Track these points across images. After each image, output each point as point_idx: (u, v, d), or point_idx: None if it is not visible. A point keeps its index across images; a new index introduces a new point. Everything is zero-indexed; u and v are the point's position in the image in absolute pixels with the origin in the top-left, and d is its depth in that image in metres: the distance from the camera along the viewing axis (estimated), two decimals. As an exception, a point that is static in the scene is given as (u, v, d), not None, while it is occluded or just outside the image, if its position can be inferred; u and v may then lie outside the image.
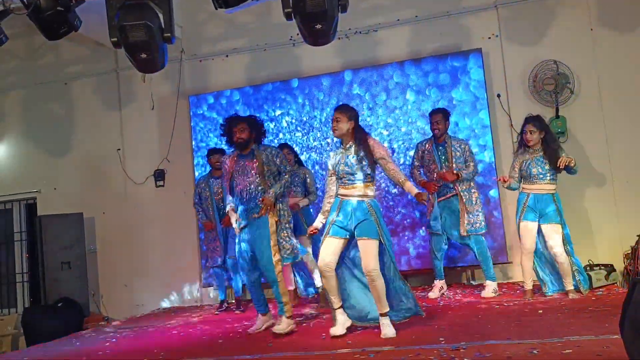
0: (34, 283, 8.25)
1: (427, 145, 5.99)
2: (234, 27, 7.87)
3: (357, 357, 3.67)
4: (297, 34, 6.88)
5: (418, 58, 7.03)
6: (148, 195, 7.86)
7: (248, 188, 4.73)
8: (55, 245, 7.57)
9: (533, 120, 5.41)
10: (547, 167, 5.32)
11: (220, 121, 7.36)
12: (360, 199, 4.40)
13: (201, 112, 7.68)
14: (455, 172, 5.72)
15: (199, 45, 8.00)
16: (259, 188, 4.73)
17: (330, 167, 4.57)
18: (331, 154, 4.65)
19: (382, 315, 4.34)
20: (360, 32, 7.39)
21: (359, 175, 4.41)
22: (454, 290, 6.21)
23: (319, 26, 4.27)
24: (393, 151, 6.95)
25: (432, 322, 4.63)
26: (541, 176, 5.33)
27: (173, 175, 7.78)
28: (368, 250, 4.28)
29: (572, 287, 5.26)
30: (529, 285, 5.41)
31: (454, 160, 5.79)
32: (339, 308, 4.51)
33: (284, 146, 6.44)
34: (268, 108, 7.42)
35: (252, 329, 4.91)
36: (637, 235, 6.05)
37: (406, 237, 6.85)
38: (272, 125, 7.37)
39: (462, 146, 5.88)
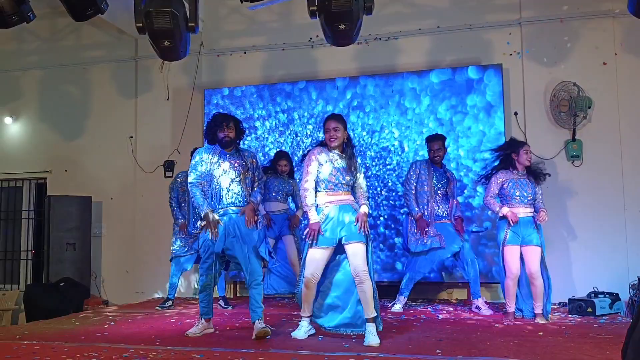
0: (38, 261, 8.31)
1: (423, 167, 5.91)
2: (254, 25, 7.91)
3: (352, 362, 3.65)
4: (317, 36, 6.94)
5: (437, 69, 7.04)
6: (156, 185, 7.87)
7: (231, 188, 4.63)
8: (62, 225, 7.67)
9: (527, 144, 5.54)
10: (530, 190, 5.31)
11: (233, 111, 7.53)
12: (348, 203, 4.43)
13: (215, 101, 7.73)
14: (460, 218, 5.90)
15: (218, 40, 8.04)
16: (241, 189, 4.65)
17: (313, 169, 4.44)
18: (318, 157, 4.47)
19: (368, 320, 4.31)
20: (380, 39, 7.40)
21: (347, 183, 4.46)
22: (454, 306, 6.20)
23: (342, 26, 4.27)
24: (402, 150, 7.01)
25: (430, 334, 4.61)
26: (523, 199, 5.32)
27: (182, 167, 7.73)
28: (357, 253, 4.30)
29: (541, 312, 5.27)
30: (511, 308, 5.38)
31: (452, 187, 5.90)
32: (308, 317, 4.57)
33: (282, 155, 6.47)
34: (281, 101, 7.47)
35: (192, 331, 4.67)
36: (645, 266, 6.00)
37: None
38: (284, 117, 7.43)
39: (454, 176, 6.03)
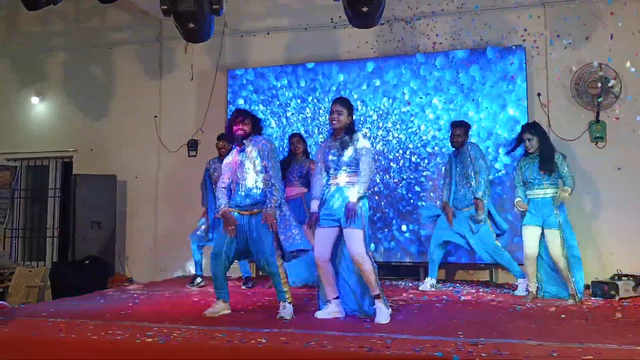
0: (64, 239, 8.46)
1: (449, 159, 6.13)
2: (277, 5, 7.90)
3: (373, 342, 3.66)
4: (339, 17, 6.89)
5: (459, 50, 7.02)
6: (180, 164, 7.97)
7: (244, 183, 4.66)
8: (87, 204, 7.79)
9: (529, 127, 5.50)
10: (541, 173, 5.35)
11: (255, 97, 7.60)
12: (347, 186, 4.48)
13: (239, 85, 7.78)
14: (477, 200, 5.78)
15: (241, 21, 8.03)
16: (255, 184, 4.65)
17: (320, 158, 4.61)
18: (322, 147, 4.66)
19: (375, 297, 4.41)
20: (402, 20, 7.32)
21: (346, 167, 4.49)
22: (476, 288, 6.20)
23: (365, 8, 4.27)
24: (424, 113, 7.10)
25: (452, 316, 4.62)
26: (537, 181, 5.37)
27: (206, 146, 7.83)
28: (352, 238, 4.38)
29: (574, 292, 5.28)
30: (532, 288, 5.45)
31: (467, 167, 5.89)
32: (335, 299, 4.58)
33: (294, 135, 6.49)
34: (303, 74, 7.55)
35: (209, 310, 4.70)
36: (671, 249, 5.93)
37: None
38: (306, 85, 7.53)
39: (468, 148, 5.93)
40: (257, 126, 4.81)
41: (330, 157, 4.54)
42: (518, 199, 5.48)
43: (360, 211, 4.38)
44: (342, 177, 4.51)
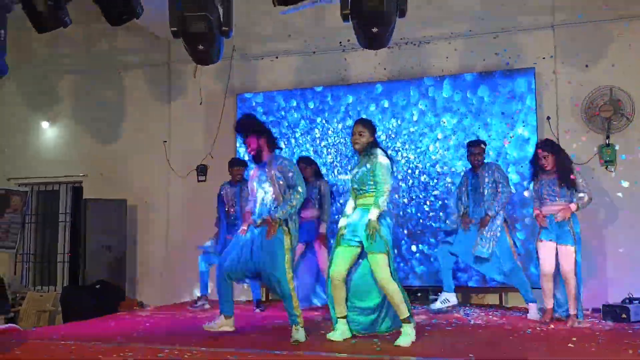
0: (74, 263, 8.47)
1: (465, 176, 6.13)
2: (286, 29, 7.92)
3: (382, 364, 3.67)
4: (348, 40, 6.96)
5: (468, 73, 7.06)
6: (189, 189, 8.00)
7: (263, 198, 4.63)
8: (97, 228, 7.81)
9: (543, 145, 5.49)
10: (557, 188, 5.32)
11: (264, 119, 7.57)
12: (370, 206, 4.43)
13: (248, 107, 7.81)
14: (487, 215, 5.76)
15: (250, 45, 8.09)
16: (272, 200, 4.58)
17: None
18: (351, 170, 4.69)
19: (403, 321, 4.36)
20: (411, 43, 7.39)
21: (369, 187, 4.46)
22: (485, 311, 6.15)
23: (375, 29, 4.29)
24: (434, 134, 7.09)
25: (462, 339, 4.59)
26: (552, 197, 5.34)
27: (215, 171, 7.85)
28: (377, 262, 4.35)
29: (575, 312, 5.24)
30: (549, 305, 5.39)
31: (484, 186, 5.87)
32: (342, 317, 4.55)
33: (300, 161, 6.46)
34: (312, 96, 7.61)
35: (209, 324, 4.68)
36: (683, 272, 5.87)
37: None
38: (314, 106, 7.59)
39: (492, 169, 5.93)
40: (263, 137, 4.66)
41: (355, 177, 4.56)
42: (537, 211, 5.37)
43: (381, 233, 4.33)
44: (366, 198, 4.49)
